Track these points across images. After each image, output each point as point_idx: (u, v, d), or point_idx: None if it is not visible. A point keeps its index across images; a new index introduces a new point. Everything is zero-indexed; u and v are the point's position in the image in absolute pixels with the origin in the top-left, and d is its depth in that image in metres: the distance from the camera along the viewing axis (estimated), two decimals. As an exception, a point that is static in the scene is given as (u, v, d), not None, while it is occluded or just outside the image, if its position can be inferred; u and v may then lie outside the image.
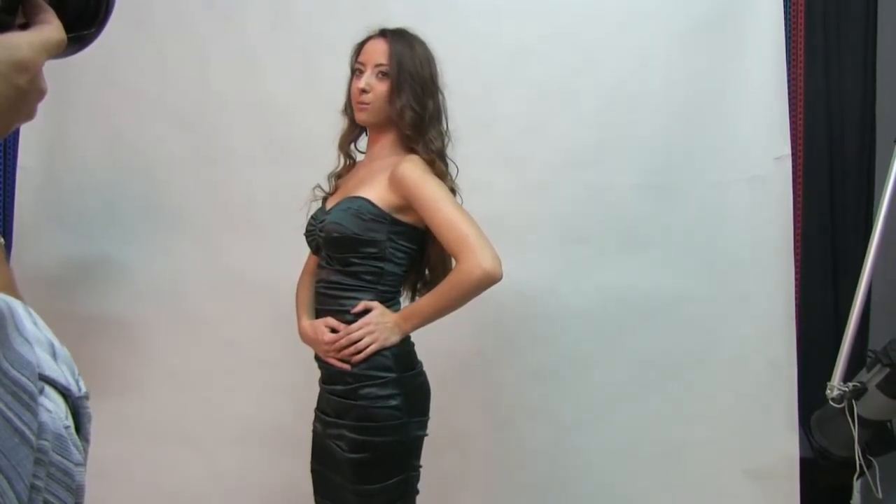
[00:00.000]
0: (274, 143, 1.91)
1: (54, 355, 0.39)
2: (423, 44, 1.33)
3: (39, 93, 0.44)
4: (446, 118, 1.35)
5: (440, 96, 1.34)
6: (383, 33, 1.32)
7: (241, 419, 1.93)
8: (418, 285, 1.41)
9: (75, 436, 0.38)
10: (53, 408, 0.36)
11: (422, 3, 1.83)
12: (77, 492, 0.37)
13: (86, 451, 0.39)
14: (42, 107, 0.48)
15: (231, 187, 1.94)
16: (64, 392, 0.38)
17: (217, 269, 1.94)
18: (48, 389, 0.37)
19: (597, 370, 1.83)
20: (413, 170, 1.25)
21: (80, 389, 0.39)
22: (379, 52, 1.30)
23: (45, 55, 0.44)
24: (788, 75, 1.80)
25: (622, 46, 1.81)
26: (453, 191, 1.34)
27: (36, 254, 1.99)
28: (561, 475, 1.85)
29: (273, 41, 1.91)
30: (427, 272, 1.40)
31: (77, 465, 0.37)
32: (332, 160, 1.46)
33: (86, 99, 2.00)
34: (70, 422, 0.38)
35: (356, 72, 1.34)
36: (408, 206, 1.26)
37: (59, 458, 0.36)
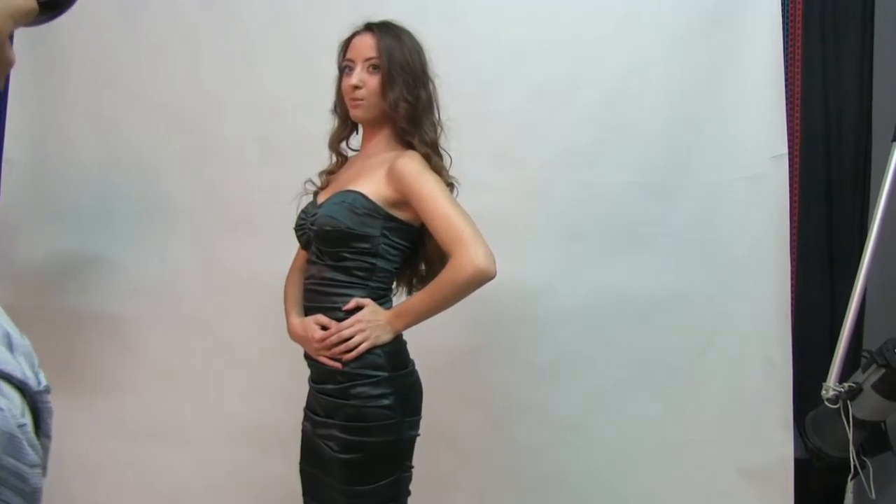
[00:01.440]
0: (269, 142, 1.90)
1: (10, 346, 0.36)
2: (410, 34, 1.32)
3: (6, 62, 0.42)
4: (438, 108, 1.34)
5: (431, 86, 1.32)
6: (369, 27, 1.31)
7: (233, 418, 1.92)
8: (414, 281, 1.39)
9: (32, 434, 0.35)
10: (6, 405, 0.34)
11: (419, 2, 1.81)
12: (32, 496, 0.34)
13: (46, 449, 0.37)
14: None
15: (225, 185, 1.92)
16: (21, 387, 0.35)
17: (210, 267, 1.93)
18: (2, 384, 0.34)
19: (593, 369, 1.82)
20: (411, 164, 1.24)
21: (39, 383, 0.37)
22: (367, 46, 1.28)
23: (11, 22, 0.41)
24: (786, 74, 1.79)
25: (620, 45, 1.80)
26: (451, 186, 1.32)
27: (21, 249, 1.97)
28: (556, 475, 1.84)
29: (268, 40, 1.90)
30: (423, 268, 1.38)
31: (32, 466, 0.34)
32: (327, 160, 1.44)
33: (77, 93, 1.98)
34: (27, 419, 0.35)
35: (345, 69, 1.32)
36: (403, 201, 1.25)
37: (11, 460, 0.33)
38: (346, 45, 1.33)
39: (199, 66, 1.92)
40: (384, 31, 1.29)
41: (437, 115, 1.34)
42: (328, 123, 1.42)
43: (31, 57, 1.96)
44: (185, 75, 1.93)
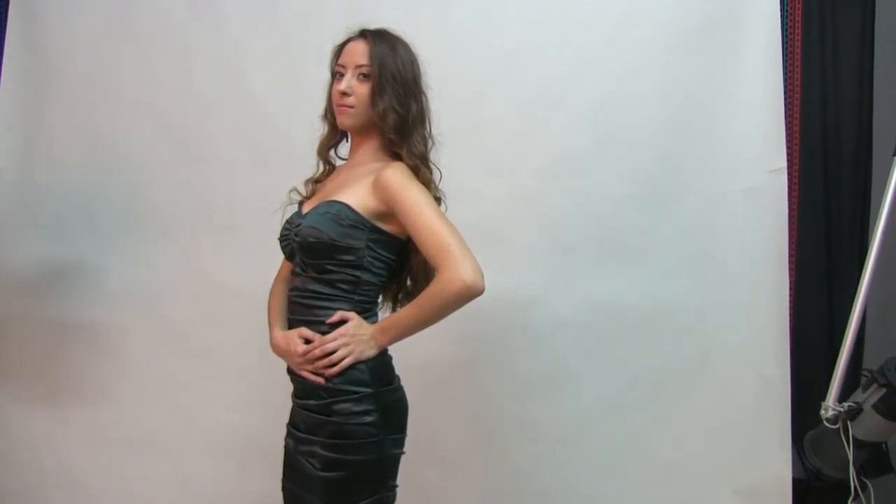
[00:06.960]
0: (256, 147, 1.88)
1: None
2: (405, 44, 1.29)
3: None
4: (430, 121, 1.31)
5: (423, 98, 1.30)
6: (363, 34, 1.28)
7: (217, 429, 1.90)
8: (399, 296, 1.36)
9: None
10: None
11: (411, 7, 1.78)
12: None
13: None
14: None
15: (211, 191, 1.91)
16: None
17: (195, 274, 1.91)
18: None
19: (584, 384, 1.79)
20: (397, 175, 1.20)
21: None
22: (359, 52, 1.25)
23: None
24: (785, 86, 1.77)
25: (614, 52, 1.78)
26: (438, 199, 1.29)
27: (7, 256, 1.95)
28: (546, 493, 1.80)
29: (257, 43, 1.89)
30: (409, 282, 1.35)
31: None
32: (315, 166, 1.41)
33: (64, 98, 1.98)
34: None
35: (336, 75, 1.29)
36: (389, 213, 1.22)
37: None
38: (339, 50, 1.30)
39: (188, 71, 1.91)
40: (378, 38, 1.27)
41: (427, 128, 1.31)
42: (317, 130, 1.39)
43: (19, 64, 1.95)
44: (173, 81, 1.92)
